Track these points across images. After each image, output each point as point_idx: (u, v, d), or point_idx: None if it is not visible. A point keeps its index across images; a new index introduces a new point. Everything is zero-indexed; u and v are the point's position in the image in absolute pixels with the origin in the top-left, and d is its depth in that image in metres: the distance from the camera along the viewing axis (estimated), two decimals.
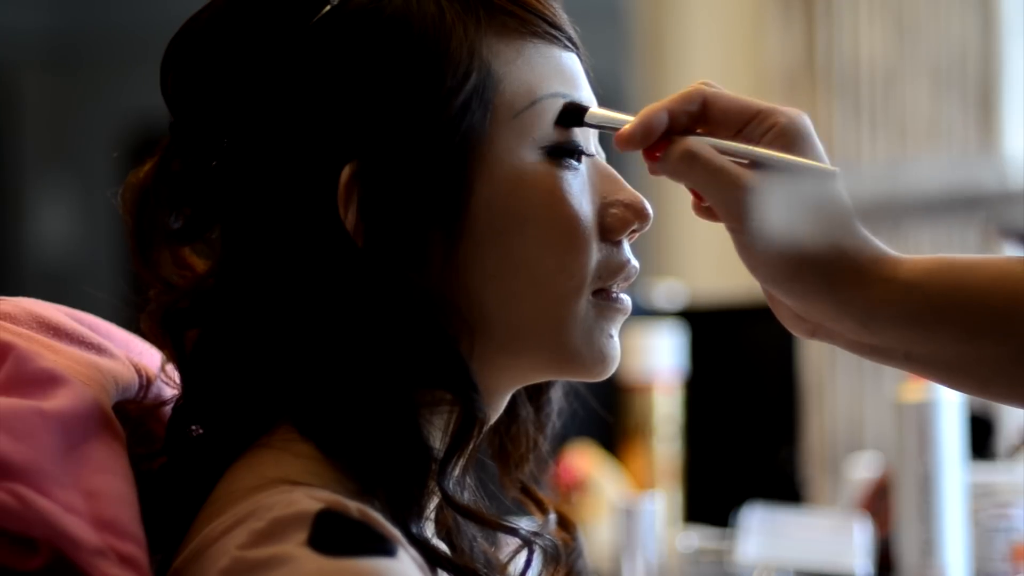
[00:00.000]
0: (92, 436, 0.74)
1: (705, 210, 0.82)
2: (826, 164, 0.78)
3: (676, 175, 0.78)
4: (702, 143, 0.77)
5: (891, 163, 2.96)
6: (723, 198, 0.77)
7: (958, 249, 2.75)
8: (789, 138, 0.77)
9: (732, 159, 0.78)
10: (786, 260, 0.76)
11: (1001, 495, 1.46)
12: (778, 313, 0.82)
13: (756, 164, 0.77)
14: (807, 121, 0.78)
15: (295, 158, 0.78)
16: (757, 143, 0.78)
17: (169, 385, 0.83)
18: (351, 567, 0.68)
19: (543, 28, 0.81)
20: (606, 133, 0.83)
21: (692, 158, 0.77)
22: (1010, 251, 0.78)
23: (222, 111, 0.80)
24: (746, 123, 0.78)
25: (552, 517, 0.90)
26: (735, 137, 0.78)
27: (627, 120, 0.80)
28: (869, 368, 2.99)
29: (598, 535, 1.74)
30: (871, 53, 3.05)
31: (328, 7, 0.79)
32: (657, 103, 0.79)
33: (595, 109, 0.81)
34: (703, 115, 0.79)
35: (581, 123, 0.80)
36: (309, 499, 0.70)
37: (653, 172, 0.80)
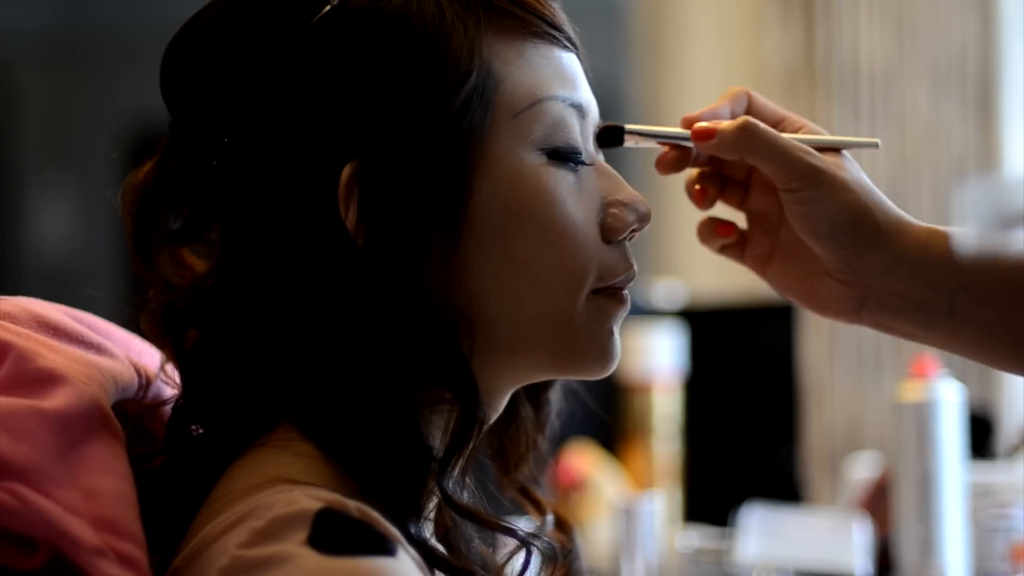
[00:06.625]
0: (91, 435, 0.74)
1: (699, 192, 0.90)
2: (866, 140, 0.89)
3: (733, 146, 0.84)
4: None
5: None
6: (786, 161, 0.83)
7: None
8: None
9: None
10: (847, 216, 0.83)
11: (1001, 495, 1.46)
12: (822, 302, 0.87)
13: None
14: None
15: (295, 158, 0.78)
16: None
17: (169, 385, 0.83)
18: (351, 566, 0.68)
19: (543, 28, 0.81)
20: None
21: (752, 127, 0.84)
22: None
23: (222, 111, 0.80)
24: (778, 123, 0.87)
25: (550, 518, 0.90)
26: None
27: (664, 131, 0.88)
28: (869, 368, 2.99)
29: (597, 535, 1.74)
30: (871, 53, 3.05)
31: (328, 7, 0.79)
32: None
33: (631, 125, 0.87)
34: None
35: (620, 143, 0.87)
36: (309, 498, 0.70)
37: (708, 151, 0.86)
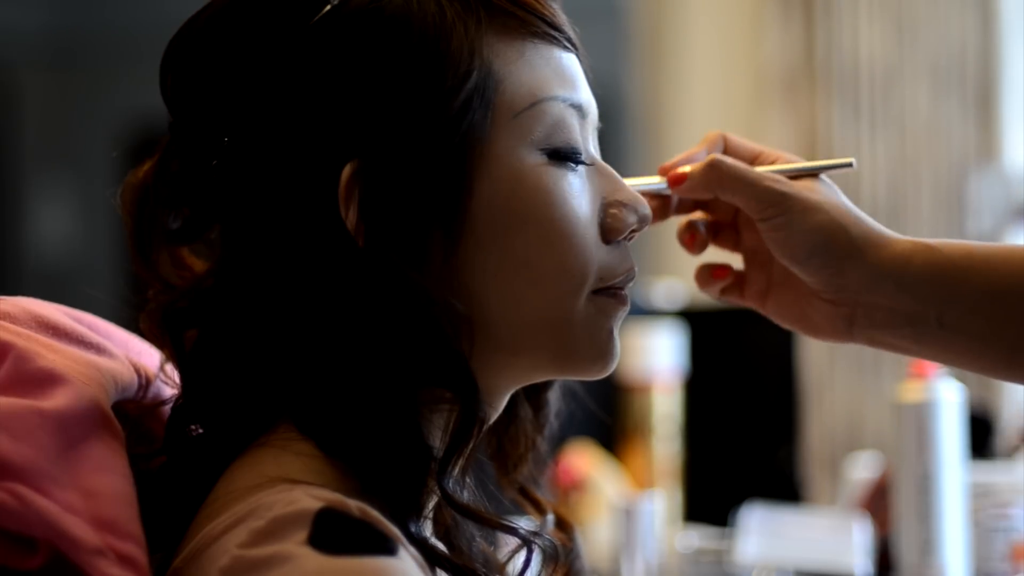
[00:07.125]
0: (91, 435, 0.74)
1: (689, 239, 0.92)
2: (840, 161, 0.89)
3: (705, 185, 0.87)
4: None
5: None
6: (755, 191, 0.86)
7: None
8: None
9: None
10: (821, 236, 0.85)
11: (1001, 495, 1.46)
12: (815, 325, 0.89)
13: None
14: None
15: (295, 157, 0.78)
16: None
17: (168, 385, 0.83)
18: (352, 566, 0.68)
19: (543, 28, 0.81)
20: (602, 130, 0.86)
21: (719, 164, 0.87)
22: None
23: (222, 111, 0.80)
24: (754, 158, 0.90)
25: (550, 517, 0.90)
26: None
27: (642, 182, 0.89)
28: (869, 368, 2.99)
29: (598, 535, 1.74)
30: (871, 53, 3.05)
31: (328, 7, 0.79)
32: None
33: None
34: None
35: None
36: (309, 497, 0.70)
37: (682, 194, 0.89)
